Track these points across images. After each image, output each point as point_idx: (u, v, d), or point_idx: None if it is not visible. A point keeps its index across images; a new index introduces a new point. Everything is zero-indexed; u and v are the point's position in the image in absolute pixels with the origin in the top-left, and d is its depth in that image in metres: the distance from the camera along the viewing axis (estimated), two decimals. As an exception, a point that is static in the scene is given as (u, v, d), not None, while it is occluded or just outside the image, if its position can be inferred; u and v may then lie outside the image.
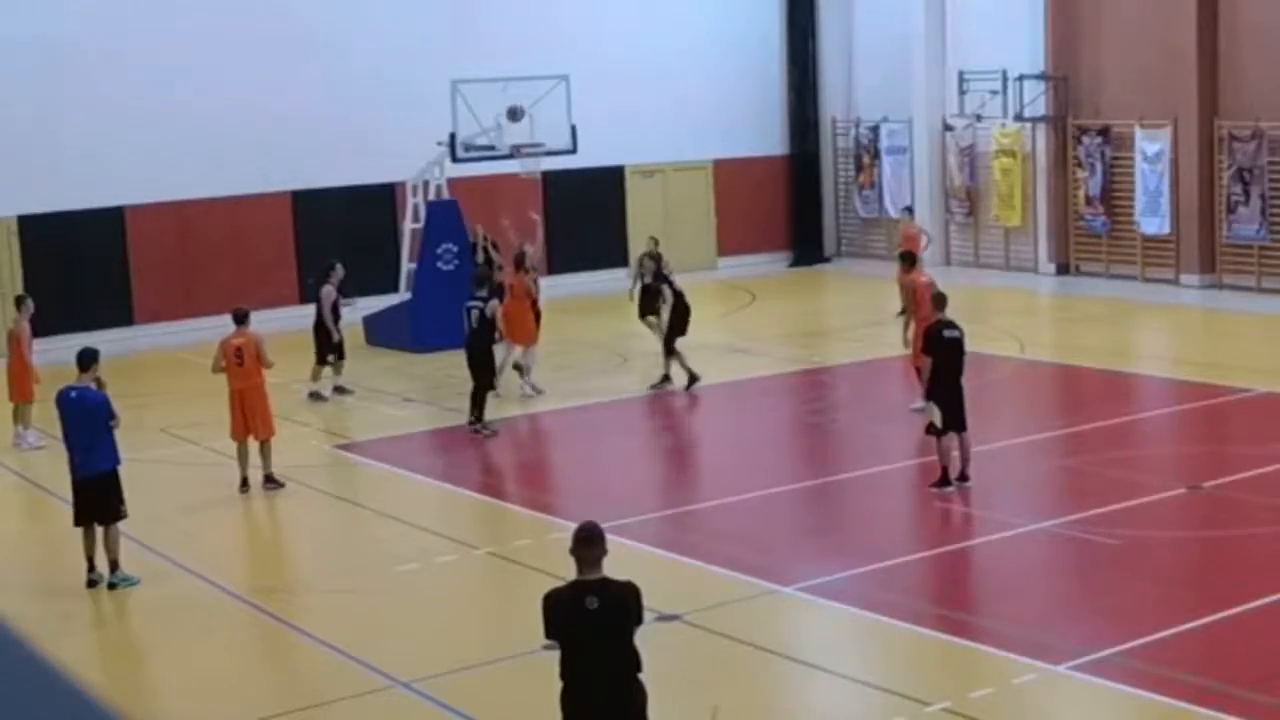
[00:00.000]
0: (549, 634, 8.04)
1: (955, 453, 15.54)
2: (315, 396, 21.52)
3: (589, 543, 8.01)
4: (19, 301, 20.28)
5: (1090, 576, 13.34)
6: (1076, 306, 27.36)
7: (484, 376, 19.27)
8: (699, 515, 15.49)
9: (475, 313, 19.30)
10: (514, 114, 24.89)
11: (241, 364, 16.87)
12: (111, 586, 13.70)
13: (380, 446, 18.95)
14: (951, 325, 15.71)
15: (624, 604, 7.99)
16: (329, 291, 21.82)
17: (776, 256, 34.55)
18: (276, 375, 23.66)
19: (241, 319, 17.20)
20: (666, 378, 21.14)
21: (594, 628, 7.90)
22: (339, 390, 21.79)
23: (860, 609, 12.36)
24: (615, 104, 30.72)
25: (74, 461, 13.94)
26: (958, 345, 15.57)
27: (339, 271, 22.09)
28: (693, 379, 21.01)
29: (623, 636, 7.99)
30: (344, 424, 20.07)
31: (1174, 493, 15.27)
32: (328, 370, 21.76)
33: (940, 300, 16.07)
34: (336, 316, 21.82)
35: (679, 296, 21.19)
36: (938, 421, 15.38)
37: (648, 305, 22.20)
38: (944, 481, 15.48)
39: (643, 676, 7.99)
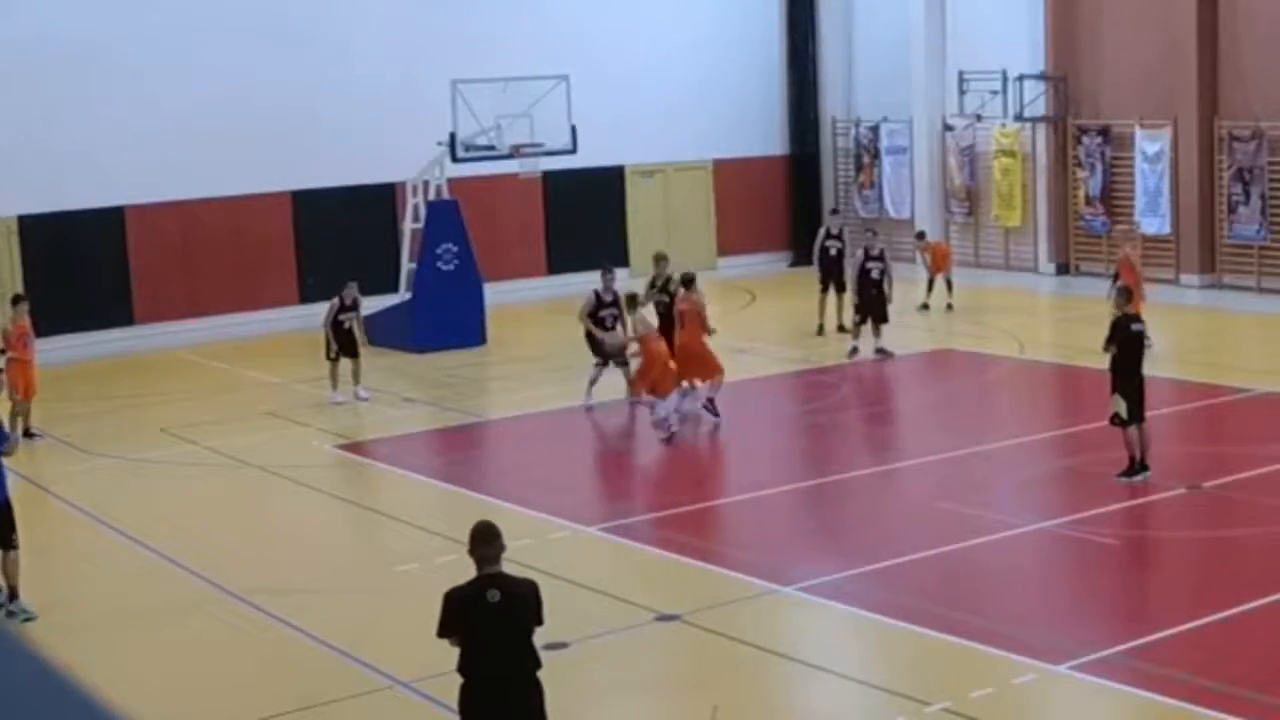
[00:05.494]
0: (447, 629, 8.17)
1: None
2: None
3: (489, 540, 8.18)
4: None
5: (1090, 576, 13.35)
6: (1076, 306, 27.31)
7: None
8: (699, 515, 15.48)
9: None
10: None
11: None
12: (10, 615, 12.82)
13: (380, 446, 18.95)
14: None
15: (525, 598, 8.18)
16: None
17: (776, 256, 34.52)
18: (276, 375, 23.79)
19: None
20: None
21: (497, 621, 8.06)
22: None
23: (860, 609, 12.36)
24: (615, 104, 30.69)
25: None
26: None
27: None
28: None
29: (524, 631, 8.14)
30: (344, 424, 20.06)
31: (1174, 493, 15.26)
32: None
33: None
34: None
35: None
36: (1123, 413, 15.30)
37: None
38: (1131, 470, 15.45)
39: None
